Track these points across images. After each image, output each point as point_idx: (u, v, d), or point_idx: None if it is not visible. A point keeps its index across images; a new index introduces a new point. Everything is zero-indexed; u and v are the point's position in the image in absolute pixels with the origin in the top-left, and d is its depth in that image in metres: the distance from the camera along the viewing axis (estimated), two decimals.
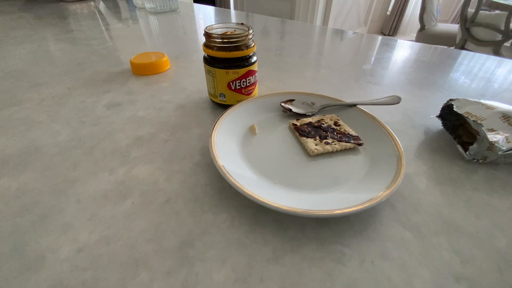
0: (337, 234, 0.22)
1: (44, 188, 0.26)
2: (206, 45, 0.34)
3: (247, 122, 0.34)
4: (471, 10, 1.61)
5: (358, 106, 0.35)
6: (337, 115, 0.35)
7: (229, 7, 2.90)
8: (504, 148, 0.27)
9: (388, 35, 3.32)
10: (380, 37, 0.74)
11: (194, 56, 0.60)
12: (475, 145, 0.28)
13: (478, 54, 0.62)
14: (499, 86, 0.48)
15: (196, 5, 1.12)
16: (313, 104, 0.37)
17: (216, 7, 1.09)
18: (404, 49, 0.66)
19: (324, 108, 0.37)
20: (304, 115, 0.36)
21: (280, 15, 2.35)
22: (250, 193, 0.22)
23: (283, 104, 0.37)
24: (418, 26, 2.09)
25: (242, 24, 0.36)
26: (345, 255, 0.21)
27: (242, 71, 0.35)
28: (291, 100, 0.37)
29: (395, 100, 0.36)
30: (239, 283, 0.19)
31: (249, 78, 0.36)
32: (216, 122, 0.32)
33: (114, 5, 1.12)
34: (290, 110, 0.36)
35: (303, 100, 0.38)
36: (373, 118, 0.33)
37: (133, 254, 0.21)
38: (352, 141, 0.30)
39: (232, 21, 0.84)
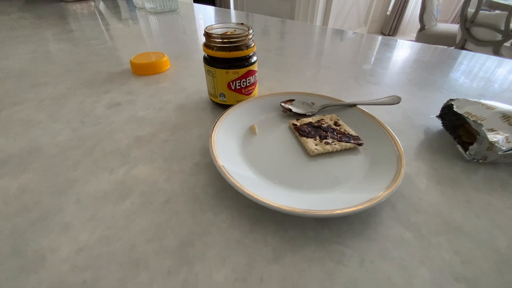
0: (337, 234, 0.22)
1: (44, 188, 0.26)
2: (206, 45, 0.34)
3: (247, 122, 0.34)
4: (471, 10, 1.61)
5: (358, 106, 0.35)
6: (337, 115, 0.35)
7: (229, 7, 2.90)
8: (504, 148, 0.27)
9: (388, 35, 3.32)
10: (380, 37, 0.74)
11: (194, 56, 0.60)
12: (475, 145, 0.28)
13: (478, 54, 0.62)
14: (499, 86, 0.48)
15: (196, 5, 1.12)
16: (313, 104, 0.37)
17: (216, 7, 1.09)
18: (404, 49, 0.66)
19: (324, 108, 0.37)
20: (304, 115, 0.36)
21: (280, 15, 2.35)
22: (250, 193, 0.22)
23: (283, 104, 0.37)
24: (418, 26, 2.09)
25: (242, 24, 0.36)
26: (345, 255, 0.21)
27: (242, 71, 0.35)
28: (291, 100, 0.37)
29: (395, 100, 0.36)
30: (239, 283, 0.19)
31: (249, 78, 0.36)
32: (216, 122, 0.32)
33: (114, 5, 1.12)
34: (290, 110, 0.36)
35: (303, 100, 0.38)
36: (373, 118, 0.33)
37: (133, 254, 0.21)
38: (352, 141, 0.30)
39: (232, 21, 0.84)
